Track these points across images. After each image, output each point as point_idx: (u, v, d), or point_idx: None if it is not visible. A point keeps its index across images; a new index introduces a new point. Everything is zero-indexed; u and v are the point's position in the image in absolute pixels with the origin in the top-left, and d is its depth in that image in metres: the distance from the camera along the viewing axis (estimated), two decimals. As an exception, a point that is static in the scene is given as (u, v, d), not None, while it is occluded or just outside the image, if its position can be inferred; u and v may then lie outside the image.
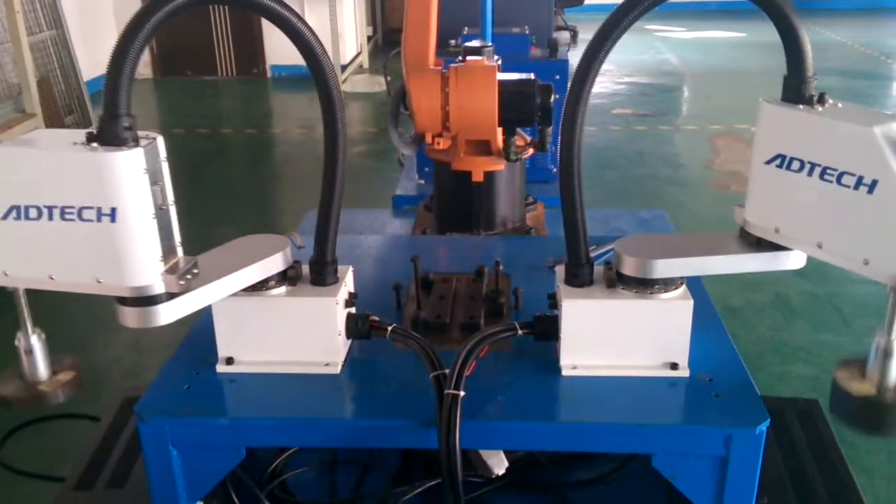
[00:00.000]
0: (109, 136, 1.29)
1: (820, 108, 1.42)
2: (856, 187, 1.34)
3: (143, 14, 1.31)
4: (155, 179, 1.33)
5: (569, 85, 1.52)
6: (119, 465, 1.94)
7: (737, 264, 1.56)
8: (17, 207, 1.31)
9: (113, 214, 1.29)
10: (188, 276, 1.39)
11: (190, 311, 1.45)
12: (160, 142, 1.35)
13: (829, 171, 1.37)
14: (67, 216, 1.30)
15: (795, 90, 1.44)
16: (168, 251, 1.37)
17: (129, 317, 1.40)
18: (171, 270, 1.37)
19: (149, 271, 1.35)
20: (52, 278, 1.35)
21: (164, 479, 1.51)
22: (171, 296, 1.39)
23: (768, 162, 1.46)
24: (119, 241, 1.31)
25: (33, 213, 1.31)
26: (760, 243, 1.53)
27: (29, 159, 1.30)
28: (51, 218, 1.30)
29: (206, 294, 1.47)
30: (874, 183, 1.32)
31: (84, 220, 1.30)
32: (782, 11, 1.42)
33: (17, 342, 1.46)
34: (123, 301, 1.39)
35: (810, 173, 1.40)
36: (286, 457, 1.93)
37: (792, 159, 1.42)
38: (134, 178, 1.29)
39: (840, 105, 1.43)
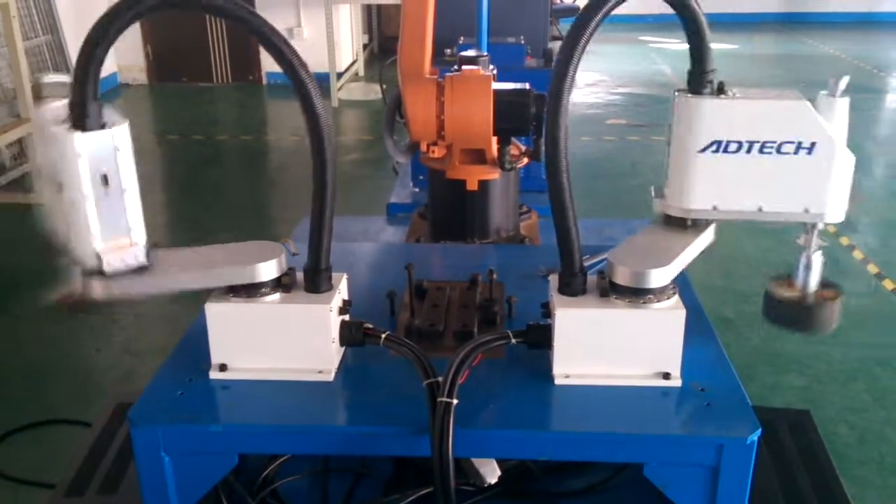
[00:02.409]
0: (74, 118, 1.43)
1: (737, 93, 1.59)
2: (796, 152, 1.56)
3: (114, 11, 1.41)
4: (101, 164, 1.43)
5: (547, 93, 1.53)
6: (111, 471, 1.93)
7: (693, 251, 1.66)
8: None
9: (60, 187, 1.45)
10: (130, 260, 1.50)
11: (144, 291, 1.54)
12: (118, 131, 1.45)
13: (767, 144, 1.57)
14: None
15: (706, 82, 1.58)
16: (113, 231, 1.48)
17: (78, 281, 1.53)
18: (110, 250, 1.48)
19: (84, 245, 1.47)
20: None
21: (156, 486, 1.50)
22: (117, 272, 1.50)
23: (703, 150, 1.58)
24: (66, 212, 1.47)
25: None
26: (695, 224, 1.68)
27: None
28: None
29: (170, 280, 1.56)
30: (813, 145, 1.55)
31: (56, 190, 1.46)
32: (689, 7, 1.53)
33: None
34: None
35: (749, 150, 1.57)
36: (278, 464, 1.93)
37: (728, 143, 1.58)
38: (73, 160, 1.42)
39: (736, 89, 1.61)
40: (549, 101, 1.51)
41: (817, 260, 1.66)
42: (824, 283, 1.68)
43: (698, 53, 1.58)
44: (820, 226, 1.63)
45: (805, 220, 1.62)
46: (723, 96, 1.58)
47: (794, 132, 1.55)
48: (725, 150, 1.57)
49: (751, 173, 1.59)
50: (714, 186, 1.61)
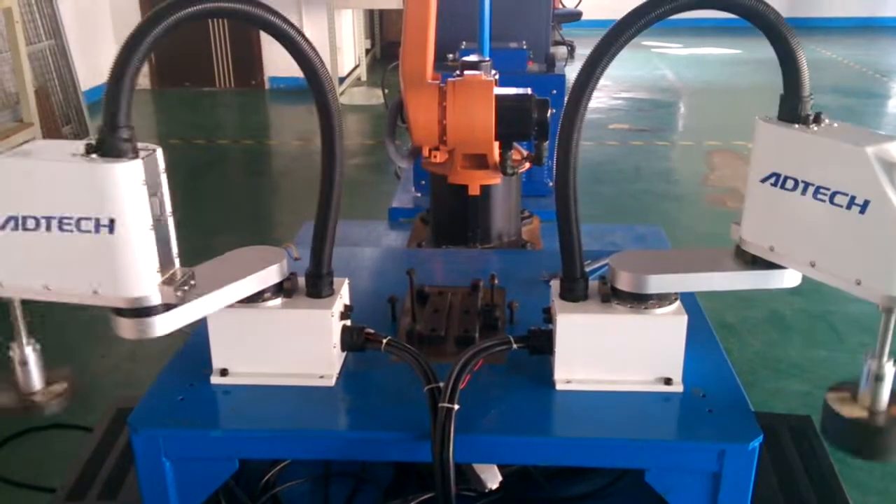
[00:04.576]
0: (109, 147, 1.29)
1: (815, 128, 1.42)
2: (848, 207, 1.35)
3: (144, 26, 1.31)
4: (153, 191, 1.33)
5: (565, 100, 1.53)
6: (111, 476, 1.92)
7: (732, 282, 1.57)
8: (15, 218, 1.31)
9: (111, 226, 1.29)
10: (185, 288, 1.39)
11: (186, 322, 1.44)
12: (159, 153, 1.35)
13: (822, 190, 1.39)
14: (66, 227, 1.30)
15: (792, 109, 1.45)
16: (165, 262, 1.37)
17: (125, 328, 1.39)
18: (167, 281, 1.37)
19: (146, 282, 1.34)
20: (49, 289, 1.35)
21: (157, 491, 1.50)
22: (167, 307, 1.39)
23: (763, 180, 1.47)
24: (117, 252, 1.31)
25: (31, 223, 1.31)
26: (756, 261, 1.54)
27: (27, 170, 1.31)
28: (48, 229, 1.30)
29: (202, 305, 1.47)
30: (866, 203, 1.33)
31: (82, 231, 1.30)
32: (780, 32, 1.43)
33: (11, 353, 1.45)
34: (120, 312, 1.38)
35: (804, 192, 1.42)
36: (279, 469, 1.93)
37: (786, 178, 1.44)
38: (132, 190, 1.29)
39: (836, 124, 1.44)
40: (566, 109, 1.51)
41: (890, 371, 1.39)
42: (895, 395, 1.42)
43: (789, 77, 1.46)
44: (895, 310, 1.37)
45: (857, 293, 1.39)
46: (796, 126, 1.44)
47: (848, 183, 1.36)
48: (783, 186, 1.45)
49: (805, 219, 1.42)
50: (771, 223, 1.49)
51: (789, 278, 1.54)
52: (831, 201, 1.37)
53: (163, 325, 1.40)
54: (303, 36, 1.49)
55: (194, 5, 1.34)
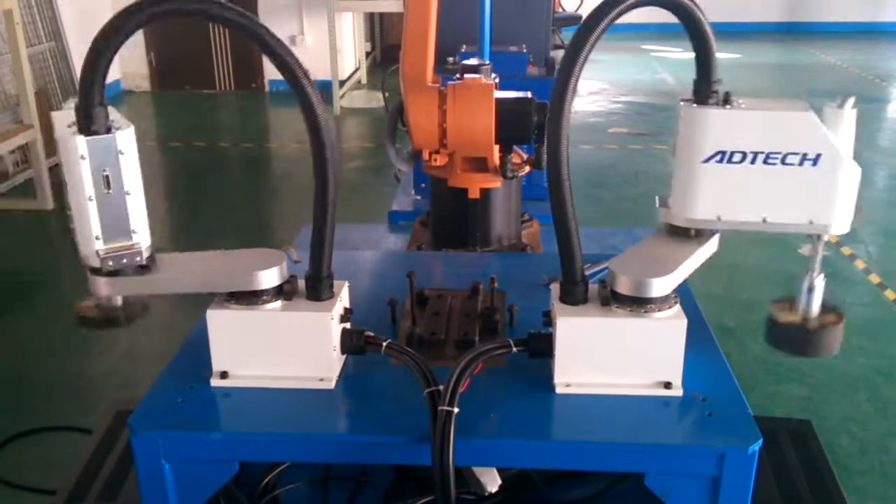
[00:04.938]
0: (79, 122, 1.46)
1: (740, 104, 1.58)
2: (801, 163, 1.55)
3: (121, 17, 1.43)
4: (102, 166, 1.47)
5: (549, 104, 1.53)
6: (111, 478, 1.93)
7: (696, 261, 1.67)
8: None
9: (64, 187, 1.50)
10: (121, 260, 1.52)
11: (146, 291, 1.59)
12: (122, 135, 1.48)
13: (772, 155, 1.56)
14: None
15: (711, 92, 1.58)
16: (115, 233, 1.51)
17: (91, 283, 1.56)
18: (111, 251, 1.52)
19: (86, 247, 1.51)
20: None
21: (157, 493, 1.50)
22: (114, 272, 1.53)
23: (707, 160, 1.58)
24: (73, 213, 1.51)
25: None
26: (699, 234, 1.67)
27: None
28: None
29: (172, 282, 1.59)
30: (818, 156, 1.54)
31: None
32: (695, 18, 1.54)
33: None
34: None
35: (753, 161, 1.56)
36: (278, 472, 1.93)
37: (733, 153, 1.57)
38: (75, 162, 1.45)
39: (742, 100, 1.60)
40: (551, 110, 1.52)
41: (820, 283, 1.64)
42: (826, 307, 1.67)
43: (704, 63, 1.58)
44: (825, 237, 1.62)
45: (810, 231, 1.62)
46: (728, 106, 1.58)
47: (799, 143, 1.55)
48: (730, 161, 1.57)
49: (755, 184, 1.58)
50: (718, 197, 1.61)
51: (716, 241, 1.71)
52: (783, 162, 1.55)
53: (106, 287, 1.55)
54: (270, 34, 1.50)
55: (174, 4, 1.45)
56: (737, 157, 1.57)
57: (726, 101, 1.59)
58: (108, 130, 1.47)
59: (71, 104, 1.49)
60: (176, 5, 1.46)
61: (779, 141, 1.55)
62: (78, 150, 1.45)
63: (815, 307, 1.66)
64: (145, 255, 1.56)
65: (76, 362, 4.25)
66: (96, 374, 4.16)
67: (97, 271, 1.54)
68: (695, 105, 1.59)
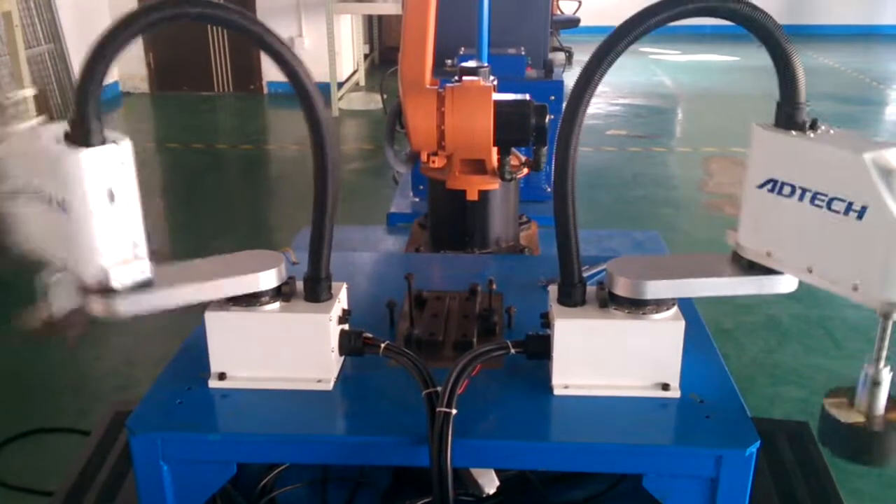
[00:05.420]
0: (74, 135, 1.39)
1: (812, 134, 1.42)
2: (846, 213, 1.35)
3: (121, 24, 1.39)
4: (107, 180, 1.40)
5: (564, 106, 1.53)
6: (109, 479, 1.92)
7: (728, 287, 1.56)
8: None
9: (64, 205, 1.40)
10: (136, 276, 1.46)
11: (150, 308, 1.49)
12: (122, 147, 1.42)
13: (819, 196, 1.38)
14: (42, 200, 1.42)
15: (788, 115, 1.45)
16: (119, 249, 1.44)
17: (89, 303, 1.47)
18: (118, 266, 1.44)
19: (90, 263, 1.43)
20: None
21: (155, 495, 1.50)
22: (126, 289, 1.46)
23: (760, 186, 1.47)
24: (70, 231, 1.42)
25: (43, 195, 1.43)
26: (753, 266, 1.54)
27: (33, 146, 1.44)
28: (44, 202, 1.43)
29: (164, 296, 1.51)
30: (864, 209, 1.33)
31: (53, 208, 1.42)
32: (775, 38, 1.43)
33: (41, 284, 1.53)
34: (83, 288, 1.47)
35: (801, 198, 1.40)
36: (276, 473, 1.93)
37: (783, 184, 1.43)
38: (80, 177, 1.38)
39: (832, 131, 1.44)
40: (565, 115, 1.51)
41: (887, 376, 1.39)
42: (892, 401, 1.41)
43: (785, 83, 1.45)
44: (893, 318, 1.37)
45: (856, 299, 1.39)
46: (793, 132, 1.44)
47: (845, 189, 1.35)
48: (780, 192, 1.44)
49: (803, 226, 1.42)
50: (768, 229, 1.48)
51: (786, 284, 1.54)
52: (828, 207, 1.37)
53: (106, 307, 1.46)
54: (276, 36, 1.50)
55: (180, 8, 1.41)
56: (786, 190, 1.43)
57: (812, 126, 1.43)
58: (104, 142, 1.41)
59: (26, 122, 1.46)
60: (175, 10, 1.42)
61: (827, 181, 1.37)
62: (81, 163, 1.37)
63: (882, 403, 1.40)
64: (149, 267, 1.49)
65: (74, 364, 4.25)
66: (94, 376, 4.16)
67: (98, 290, 1.45)
68: (763, 125, 1.47)
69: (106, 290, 1.44)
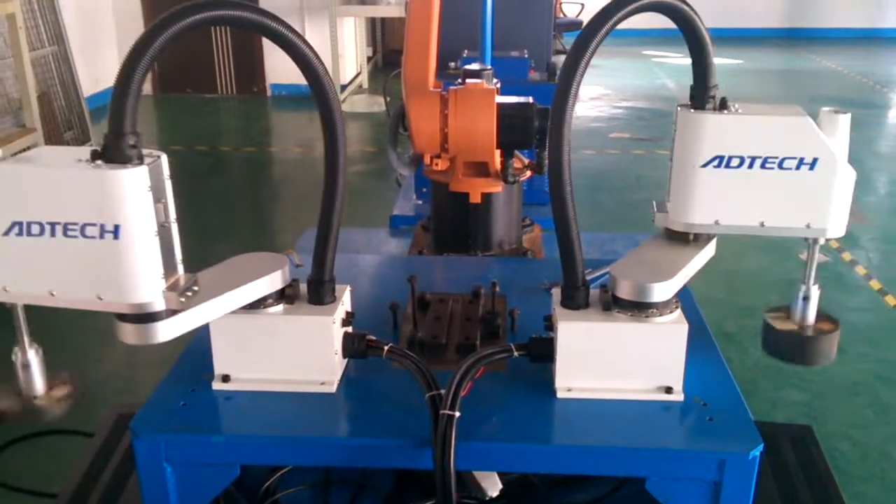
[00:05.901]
0: (114, 153, 1.30)
1: (735, 109, 1.59)
2: (798, 167, 1.57)
3: (150, 33, 1.32)
4: (158, 197, 1.33)
5: (550, 112, 1.54)
6: (112, 481, 1.93)
7: (695, 265, 1.68)
8: (20, 223, 1.32)
9: (116, 231, 1.30)
10: (188, 294, 1.39)
11: (189, 328, 1.45)
12: (164, 160, 1.36)
13: (769, 159, 1.57)
14: (70, 233, 1.31)
15: (709, 98, 1.59)
16: (169, 268, 1.38)
17: (129, 333, 1.40)
18: (171, 287, 1.37)
19: (150, 288, 1.35)
20: (53, 294, 1.36)
21: (158, 497, 1.50)
22: (170, 313, 1.39)
23: (705, 165, 1.59)
24: (121, 258, 1.32)
25: (35, 229, 1.31)
26: (697, 238, 1.69)
27: (33, 176, 1.31)
28: (53, 234, 1.31)
29: (205, 311, 1.47)
30: (815, 160, 1.56)
31: (87, 237, 1.30)
32: (693, 25, 1.55)
33: (13, 357, 1.46)
34: (123, 318, 1.39)
35: (751, 166, 1.58)
36: (279, 476, 1.93)
37: (731, 158, 1.58)
38: (138, 196, 1.30)
39: (738, 105, 1.61)
40: (553, 115, 1.52)
41: (815, 292, 1.66)
42: (822, 315, 1.69)
43: (701, 69, 1.59)
44: (821, 241, 1.64)
45: (807, 235, 1.63)
46: (725, 112, 1.59)
47: (796, 148, 1.56)
48: (727, 166, 1.58)
49: (753, 188, 1.59)
50: (716, 201, 1.62)
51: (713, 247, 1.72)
52: (780, 166, 1.57)
53: (165, 331, 1.40)
54: (306, 43, 1.49)
55: (201, 13, 1.35)
56: (734, 162, 1.58)
57: (723, 106, 1.60)
58: (141, 158, 1.32)
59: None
60: (216, 13, 1.37)
61: (776, 146, 1.57)
62: (145, 181, 1.30)
63: (811, 315, 1.68)
64: (194, 282, 1.41)
65: (77, 367, 4.26)
66: (97, 379, 4.16)
67: (152, 317, 1.37)
68: (692, 110, 1.60)
69: (148, 315, 1.38)
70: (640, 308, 1.55)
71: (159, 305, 1.37)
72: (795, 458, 2.01)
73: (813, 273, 1.65)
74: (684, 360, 1.55)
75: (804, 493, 1.89)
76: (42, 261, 1.33)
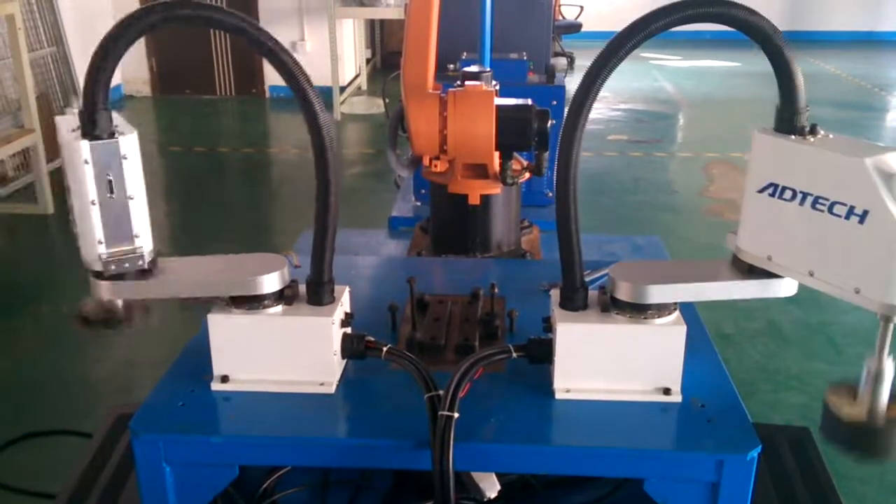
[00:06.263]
0: (82, 125, 1.47)
1: (812, 139, 1.43)
2: (847, 217, 1.35)
3: (121, 24, 1.44)
4: (105, 172, 1.47)
5: (566, 112, 1.54)
6: (111, 482, 1.93)
7: (730, 291, 1.57)
8: None
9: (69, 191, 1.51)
10: (123, 265, 1.53)
11: (140, 295, 1.58)
12: (124, 140, 1.48)
13: (820, 200, 1.39)
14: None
15: (788, 121, 1.46)
16: (117, 238, 1.52)
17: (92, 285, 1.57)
18: (115, 255, 1.52)
19: (89, 251, 1.52)
20: None
21: (157, 497, 1.51)
22: (118, 276, 1.54)
23: (761, 190, 1.48)
24: (76, 216, 1.52)
25: None
26: (753, 270, 1.55)
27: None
28: None
29: (165, 286, 1.58)
30: (865, 213, 1.33)
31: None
32: (775, 44, 1.45)
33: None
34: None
35: (802, 202, 1.42)
36: (278, 476, 1.93)
37: (784, 188, 1.44)
38: (79, 166, 1.46)
39: (832, 136, 1.45)
40: (567, 119, 1.52)
41: (889, 369, 1.37)
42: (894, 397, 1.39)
43: (786, 90, 1.46)
44: (893, 320, 1.37)
45: (858, 303, 1.39)
46: (793, 137, 1.44)
47: (845, 193, 1.36)
48: (780, 196, 1.45)
49: (804, 230, 1.42)
50: (769, 233, 1.49)
51: (786, 287, 1.55)
52: (830, 211, 1.38)
53: (108, 291, 1.56)
54: (279, 44, 1.53)
55: (174, 11, 1.46)
56: (787, 194, 1.44)
57: (812, 131, 1.44)
58: (112, 135, 1.48)
59: (74, 109, 1.50)
60: (178, 12, 1.47)
61: (828, 186, 1.38)
62: (82, 154, 1.46)
63: (883, 399, 1.38)
64: (147, 259, 1.56)
65: (75, 366, 4.26)
66: (96, 379, 4.16)
67: (99, 275, 1.55)
68: (762, 130, 1.48)
69: (104, 275, 1.53)
70: (638, 310, 1.55)
71: (96, 266, 1.53)
72: (794, 460, 2.01)
73: (886, 349, 1.38)
74: (682, 361, 1.56)
75: (802, 494, 1.89)
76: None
